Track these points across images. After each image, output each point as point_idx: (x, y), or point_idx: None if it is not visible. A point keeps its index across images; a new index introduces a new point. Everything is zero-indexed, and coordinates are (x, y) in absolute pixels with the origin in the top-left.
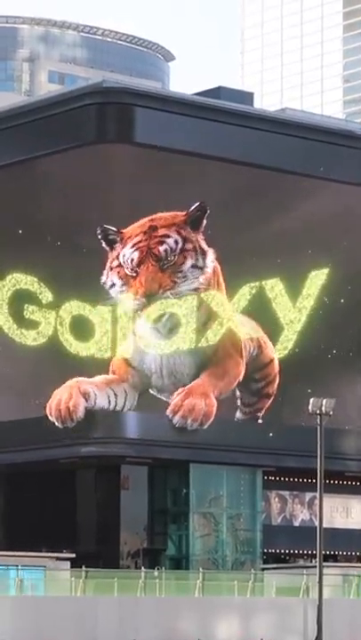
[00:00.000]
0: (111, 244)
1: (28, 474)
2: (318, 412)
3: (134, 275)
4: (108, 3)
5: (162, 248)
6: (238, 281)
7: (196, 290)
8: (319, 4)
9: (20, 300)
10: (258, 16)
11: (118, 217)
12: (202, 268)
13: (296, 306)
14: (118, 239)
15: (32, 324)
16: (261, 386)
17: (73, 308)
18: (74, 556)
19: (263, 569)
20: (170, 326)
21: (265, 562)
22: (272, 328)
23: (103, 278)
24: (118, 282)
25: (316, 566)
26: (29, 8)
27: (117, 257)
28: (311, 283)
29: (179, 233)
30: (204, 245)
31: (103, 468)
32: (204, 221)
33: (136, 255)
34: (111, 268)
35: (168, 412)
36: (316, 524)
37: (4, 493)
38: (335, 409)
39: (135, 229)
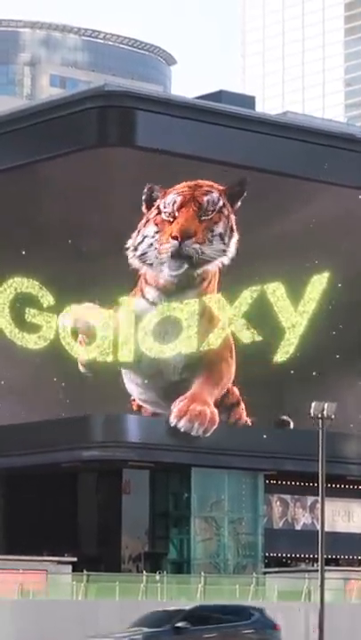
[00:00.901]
0: (152, 202)
1: (30, 477)
2: (320, 415)
3: (171, 219)
4: (110, 6)
5: (205, 198)
6: (240, 285)
7: (210, 263)
8: (320, 8)
9: (21, 303)
10: (259, 20)
11: (120, 220)
12: (226, 245)
13: (298, 310)
14: (160, 195)
15: (33, 328)
16: (220, 400)
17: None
18: (75, 559)
19: (265, 573)
20: (172, 330)
21: (266, 566)
22: (274, 332)
23: (130, 241)
24: (152, 230)
25: (317, 570)
26: (30, 12)
27: (157, 207)
28: (313, 287)
29: (220, 195)
30: (234, 225)
31: (105, 471)
32: (239, 203)
33: (179, 199)
34: (147, 221)
35: (172, 417)
36: (318, 527)
37: (5, 497)
38: (337, 413)
39: (179, 185)
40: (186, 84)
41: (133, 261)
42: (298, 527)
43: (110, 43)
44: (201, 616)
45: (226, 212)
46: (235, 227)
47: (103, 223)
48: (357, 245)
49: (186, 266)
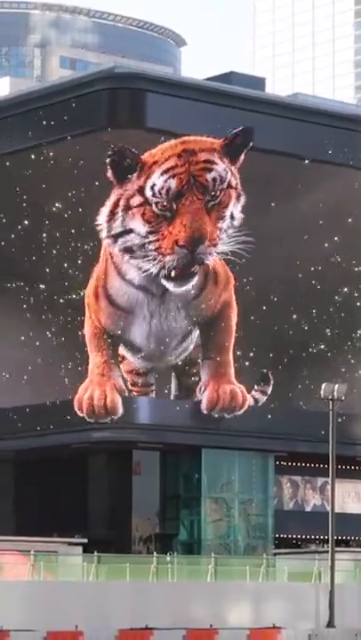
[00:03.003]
0: (124, 174)
1: (40, 459)
2: (330, 397)
3: (168, 214)
4: None
5: (209, 176)
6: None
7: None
8: None
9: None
10: (270, 1)
11: None
12: (235, 221)
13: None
14: (137, 168)
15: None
16: (194, 380)
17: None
18: (86, 541)
19: (275, 554)
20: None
21: (277, 547)
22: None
23: (101, 221)
24: (142, 228)
25: (327, 551)
26: None
27: (139, 191)
28: None
29: (222, 161)
30: (240, 188)
31: (115, 453)
32: (242, 156)
33: (173, 184)
34: (127, 208)
35: (205, 408)
36: (328, 509)
37: (15, 479)
38: (347, 394)
39: (163, 152)
40: (196, 66)
41: (109, 248)
42: (308, 508)
43: (120, 24)
44: None
45: (234, 182)
46: (241, 190)
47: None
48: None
49: (196, 278)
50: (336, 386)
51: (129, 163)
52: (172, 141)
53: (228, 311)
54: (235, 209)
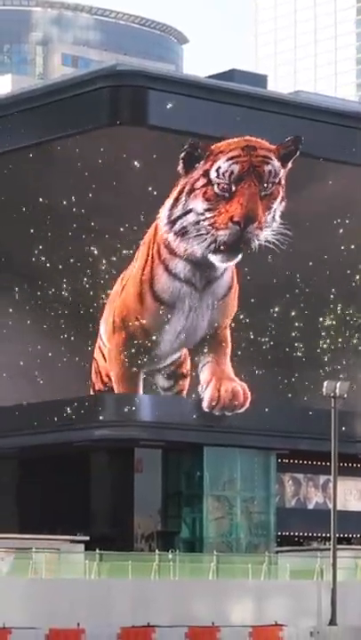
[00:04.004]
0: (193, 163)
1: (42, 457)
2: (332, 394)
3: (227, 196)
4: None
5: (267, 168)
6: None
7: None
8: None
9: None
10: None
11: (132, 199)
12: (276, 221)
13: None
14: (204, 156)
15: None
16: (174, 368)
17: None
18: (88, 538)
19: (277, 552)
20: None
21: (279, 545)
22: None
23: (163, 211)
24: (201, 205)
25: (329, 549)
26: None
27: (205, 174)
28: None
29: (277, 160)
30: (284, 191)
31: (117, 450)
32: (290, 164)
33: (236, 169)
34: (192, 191)
35: (206, 406)
36: (330, 506)
37: (17, 476)
38: (349, 392)
39: (228, 145)
40: (198, 63)
41: (165, 235)
42: (310, 506)
43: (122, 22)
44: None
45: (283, 181)
46: (284, 194)
47: (116, 202)
48: None
49: (240, 255)
50: (338, 383)
51: (199, 152)
52: (237, 138)
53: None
54: (279, 207)
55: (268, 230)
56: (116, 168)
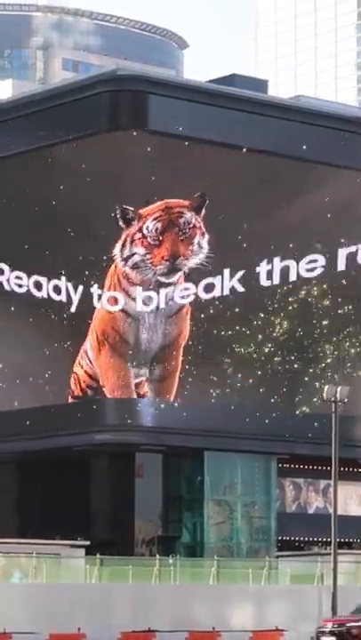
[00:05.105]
0: (129, 222)
1: (42, 461)
2: (333, 399)
3: (157, 243)
4: None
5: (181, 220)
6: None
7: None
8: None
9: None
10: (271, 3)
11: (132, 204)
12: (202, 247)
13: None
14: (136, 217)
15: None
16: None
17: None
18: (88, 543)
19: (278, 556)
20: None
21: (279, 549)
22: None
23: (116, 252)
24: (142, 251)
25: (330, 554)
26: None
27: (140, 230)
28: None
29: (190, 212)
30: (203, 229)
31: (117, 455)
32: (203, 210)
33: (159, 225)
34: (132, 241)
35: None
36: (331, 511)
37: (17, 481)
38: (350, 396)
39: (152, 209)
40: (198, 68)
41: (123, 268)
42: (311, 511)
43: (122, 26)
44: None
45: (197, 224)
46: (204, 230)
47: (116, 207)
48: None
49: (177, 275)
50: (339, 388)
51: (131, 216)
52: (156, 203)
53: (180, 340)
54: (202, 239)
55: (197, 257)
56: (115, 173)
